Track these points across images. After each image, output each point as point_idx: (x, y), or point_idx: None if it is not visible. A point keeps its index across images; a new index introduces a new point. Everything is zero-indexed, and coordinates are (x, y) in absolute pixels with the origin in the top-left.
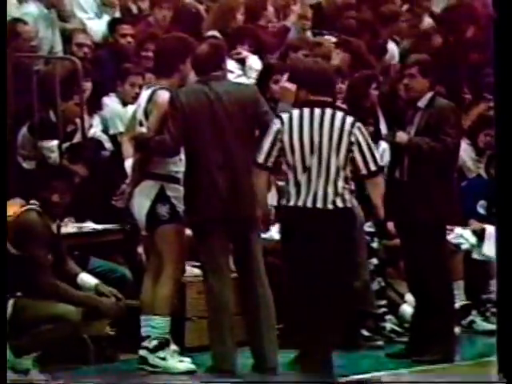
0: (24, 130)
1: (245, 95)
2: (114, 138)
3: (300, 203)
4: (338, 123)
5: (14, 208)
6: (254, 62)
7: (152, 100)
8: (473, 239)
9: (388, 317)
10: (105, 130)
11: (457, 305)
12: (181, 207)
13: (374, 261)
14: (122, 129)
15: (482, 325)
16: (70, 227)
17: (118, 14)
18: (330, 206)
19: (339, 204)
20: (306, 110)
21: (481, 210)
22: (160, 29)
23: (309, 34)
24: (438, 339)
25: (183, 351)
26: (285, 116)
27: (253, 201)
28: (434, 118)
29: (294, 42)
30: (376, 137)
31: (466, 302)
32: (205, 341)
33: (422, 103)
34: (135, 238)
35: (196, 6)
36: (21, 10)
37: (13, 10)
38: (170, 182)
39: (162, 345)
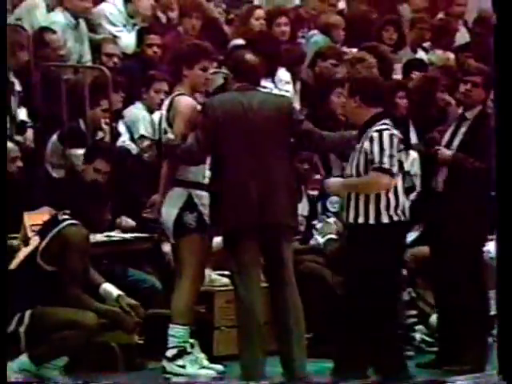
0: (54, 138)
1: (280, 105)
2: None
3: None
4: None
5: (42, 217)
6: (284, 75)
7: (173, 107)
8: None
9: (418, 327)
10: (132, 139)
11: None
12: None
13: (404, 271)
14: (144, 132)
15: None
16: (98, 236)
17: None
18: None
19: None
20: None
21: None
22: (188, 38)
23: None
24: (469, 348)
25: (211, 360)
26: (392, 129)
27: (285, 209)
28: (481, 134)
29: (323, 51)
30: (405, 147)
31: (495, 313)
32: (233, 350)
33: (470, 114)
34: (163, 246)
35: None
36: (49, 18)
37: (41, 19)
38: (198, 189)
39: (181, 353)
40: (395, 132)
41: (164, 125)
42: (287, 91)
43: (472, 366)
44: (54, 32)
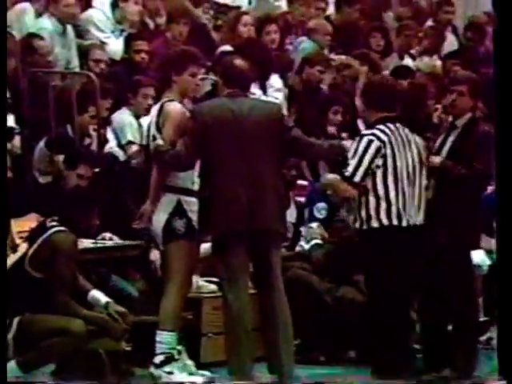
0: (41, 144)
1: (269, 111)
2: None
3: (404, 223)
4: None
5: (30, 223)
6: (276, 81)
7: (162, 113)
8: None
9: None
10: (120, 145)
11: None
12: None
13: None
14: (131, 138)
15: None
16: (85, 243)
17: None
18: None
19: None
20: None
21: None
22: (176, 44)
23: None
24: (458, 355)
25: (199, 367)
26: (379, 133)
27: (274, 215)
28: (470, 141)
29: (310, 57)
30: None
31: (484, 319)
32: (221, 356)
33: (460, 122)
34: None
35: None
36: (37, 24)
37: (29, 25)
38: (187, 195)
39: (169, 359)
40: (383, 137)
41: (153, 131)
42: (277, 98)
43: (460, 372)
44: (42, 38)
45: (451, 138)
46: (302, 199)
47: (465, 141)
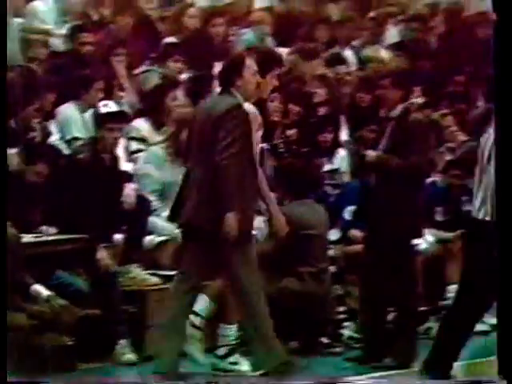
0: None
1: (222, 107)
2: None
3: None
4: None
5: None
6: None
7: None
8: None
9: (346, 323)
10: (62, 137)
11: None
12: None
13: (333, 268)
14: (77, 134)
15: None
16: (27, 236)
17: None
18: None
19: None
20: None
21: (437, 217)
22: (121, 36)
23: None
24: (397, 345)
25: (143, 360)
26: None
27: (194, 210)
28: (405, 132)
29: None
30: (335, 144)
31: (423, 309)
32: None
33: (394, 113)
34: (95, 247)
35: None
36: None
37: None
38: None
39: (232, 351)
40: None
41: None
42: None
43: (399, 362)
44: None
45: (388, 129)
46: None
47: (400, 132)
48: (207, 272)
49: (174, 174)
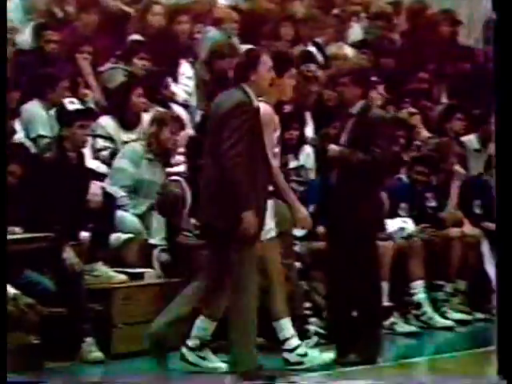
0: None
1: (223, 105)
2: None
3: None
4: None
5: None
6: (187, 70)
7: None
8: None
9: (312, 319)
10: (28, 135)
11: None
12: None
13: (298, 264)
14: (42, 132)
15: (403, 327)
16: None
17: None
18: None
19: None
20: None
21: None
22: (87, 33)
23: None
24: (362, 341)
25: (110, 358)
26: None
27: (208, 210)
28: (366, 127)
29: (218, 47)
30: (300, 141)
31: (387, 304)
32: (133, 347)
33: (354, 110)
34: (61, 246)
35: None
36: None
37: None
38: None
39: (300, 344)
40: None
41: None
42: (187, 86)
43: (364, 357)
44: None
45: (349, 125)
46: None
47: (361, 127)
48: (219, 272)
49: (150, 173)
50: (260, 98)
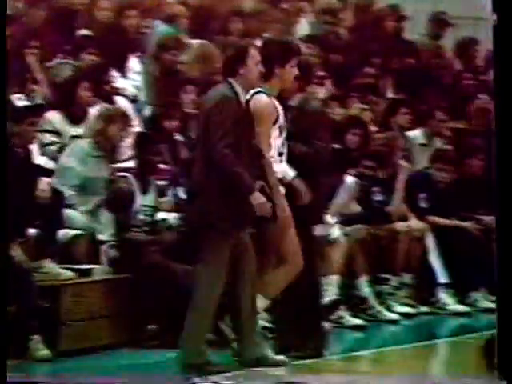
0: None
1: (209, 101)
2: None
3: None
4: None
5: None
6: (135, 65)
7: (251, 104)
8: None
9: (259, 315)
10: None
11: (326, 300)
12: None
13: None
14: None
15: (350, 320)
16: None
17: None
18: None
19: None
20: None
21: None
22: (35, 28)
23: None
24: (306, 335)
25: (58, 355)
26: None
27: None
28: (305, 120)
29: (165, 42)
30: None
31: (334, 298)
32: (81, 344)
33: (293, 102)
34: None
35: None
36: None
37: None
38: None
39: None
40: None
41: None
42: (136, 81)
43: (310, 352)
44: None
45: (289, 117)
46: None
47: (299, 120)
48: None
49: (97, 170)
50: (260, 90)
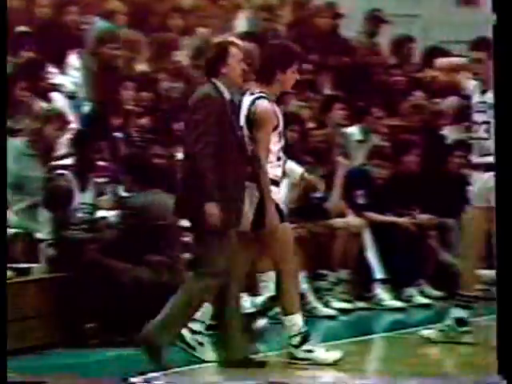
0: None
1: (191, 100)
2: None
3: None
4: None
5: None
6: (74, 60)
7: (252, 109)
8: None
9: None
10: None
11: (263, 297)
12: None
13: (187, 255)
14: None
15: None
16: None
17: None
18: None
19: None
20: None
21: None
22: None
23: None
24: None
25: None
26: None
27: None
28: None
29: (102, 36)
30: None
31: (271, 294)
32: (28, 342)
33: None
34: None
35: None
36: None
37: None
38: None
39: (305, 338)
40: None
41: (242, 123)
42: (75, 77)
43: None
44: None
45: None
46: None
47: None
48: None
49: (33, 168)
50: (261, 95)
